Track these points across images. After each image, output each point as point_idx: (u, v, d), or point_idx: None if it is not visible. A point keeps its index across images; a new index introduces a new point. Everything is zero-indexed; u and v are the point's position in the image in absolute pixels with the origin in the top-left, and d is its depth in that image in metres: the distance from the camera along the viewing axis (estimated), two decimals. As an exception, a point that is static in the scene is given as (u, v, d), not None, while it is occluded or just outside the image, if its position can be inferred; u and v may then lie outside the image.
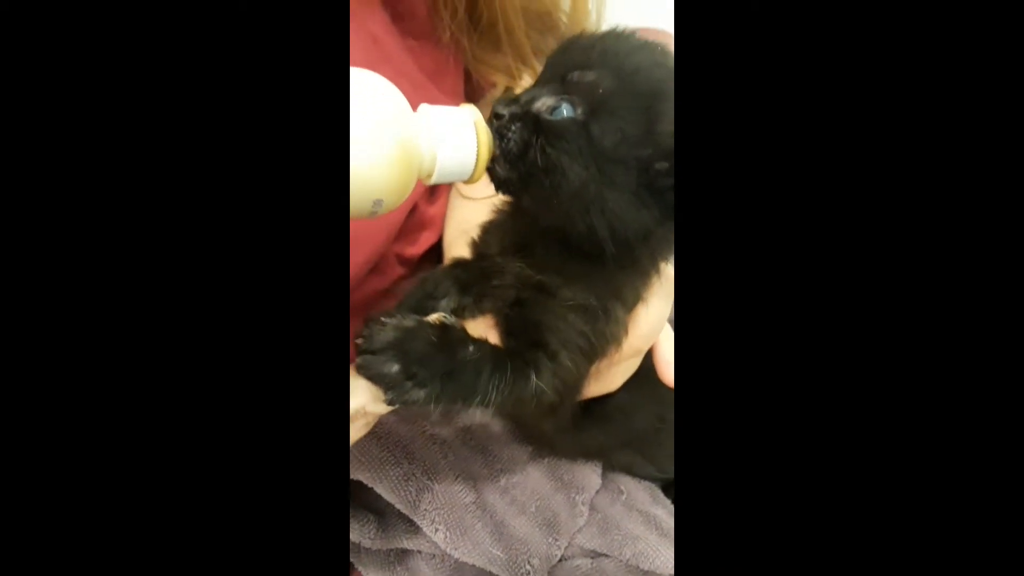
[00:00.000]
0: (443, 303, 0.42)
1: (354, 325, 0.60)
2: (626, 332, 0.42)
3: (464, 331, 0.36)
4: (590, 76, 0.35)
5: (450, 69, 0.60)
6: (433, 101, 0.58)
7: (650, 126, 0.34)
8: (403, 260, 0.62)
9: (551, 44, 0.60)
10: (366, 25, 0.51)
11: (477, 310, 0.45)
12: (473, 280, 0.44)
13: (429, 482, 0.49)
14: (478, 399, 0.35)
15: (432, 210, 0.63)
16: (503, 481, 0.52)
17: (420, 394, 0.33)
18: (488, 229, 0.46)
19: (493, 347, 0.37)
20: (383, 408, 0.33)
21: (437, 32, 0.55)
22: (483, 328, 0.44)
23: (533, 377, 0.37)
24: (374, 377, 0.32)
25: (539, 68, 0.60)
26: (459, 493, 0.50)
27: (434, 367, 0.33)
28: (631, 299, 0.41)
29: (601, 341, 0.41)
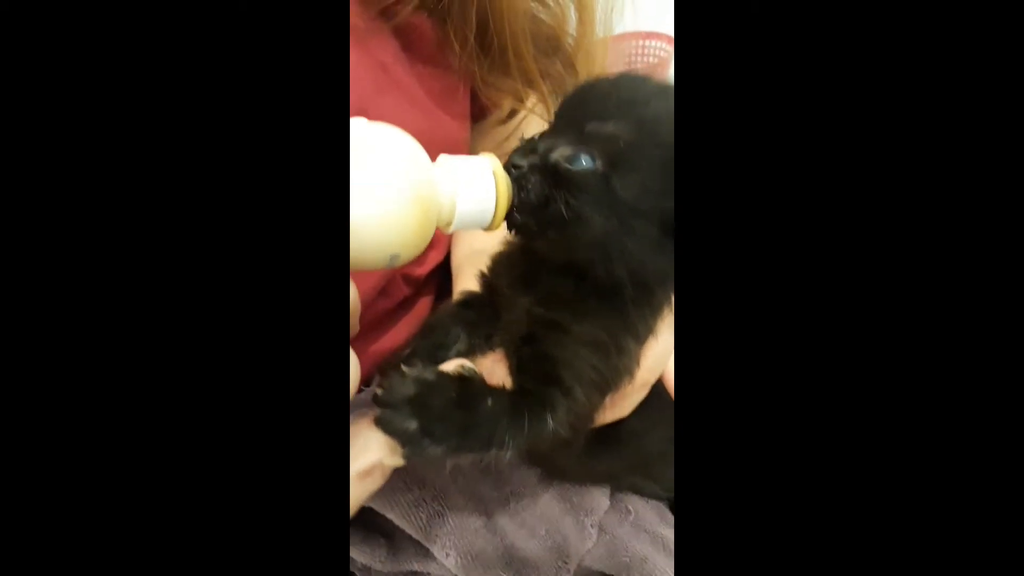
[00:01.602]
0: (454, 350, 0.42)
1: (363, 345, 0.59)
2: (638, 364, 0.42)
3: (483, 383, 0.36)
4: (609, 128, 0.35)
5: (458, 92, 0.59)
6: (441, 125, 0.58)
7: (670, 178, 0.34)
8: (410, 280, 0.62)
9: (557, 67, 0.59)
10: (376, 54, 0.50)
11: (488, 347, 0.44)
12: (482, 319, 0.44)
13: (440, 507, 0.49)
14: (494, 449, 0.35)
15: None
16: (513, 505, 0.52)
17: (437, 450, 0.33)
18: (497, 261, 0.46)
19: (510, 395, 0.37)
20: (399, 461, 0.33)
21: (447, 58, 0.54)
22: (492, 363, 0.44)
23: (550, 420, 0.37)
24: (392, 432, 0.32)
25: (545, 90, 0.59)
26: (469, 517, 0.50)
27: (452, 423, 0.33)
28: (643, 333, 0.41)
29: (614, 375, 0.40)
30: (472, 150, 0.66)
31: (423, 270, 0.62)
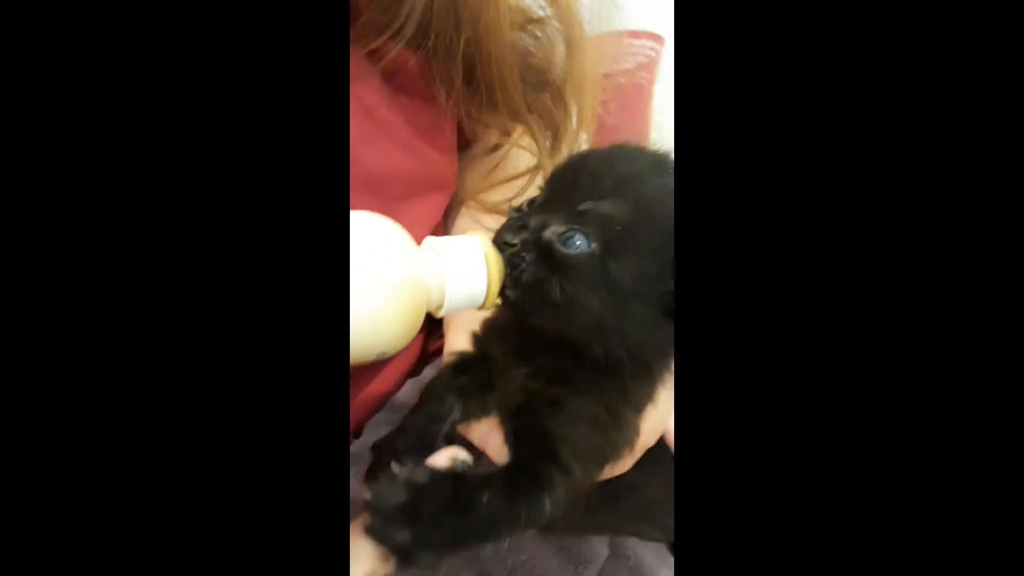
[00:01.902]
0: (449, 422, 0.40)
1: (352, 391, 0.57)
2: (638, 434, 0.40)
3: (477, 477, 0.34)
4: (604, 208, 0.33)
5: (445, 125, 0.56)
6: (428, 161, 0.56)
7: (670, 261, 0.32)
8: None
9: (546, 100, 0.57)
10: (361, 98, 0.48)
11: (482, 412, 0.43)
12: (476, 384, 0.42)
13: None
14: (490, 545, 0.33)
15: None
16: (510, 561, 0.50)
17: (432, 558, 0.31)
18: (490, 325, 0.44)
19: (505, 481, 0.35)
20: (390, 568, 0.31)
21: (432, 91, 0.51)
22: (487, 429, 0.42)
23: (547, 502, 0.36)
24: (385, 544, 0.30)
25: (532, 123, 0.57)
26: (466, 576, 0.49)
27: (447, 530, 0.31)
28: (643, 404, 0.40)
29: (613, 450, 0.39)
30: (459, 181, 0.64)
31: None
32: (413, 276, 0.31)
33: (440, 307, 0.33)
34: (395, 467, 0.32)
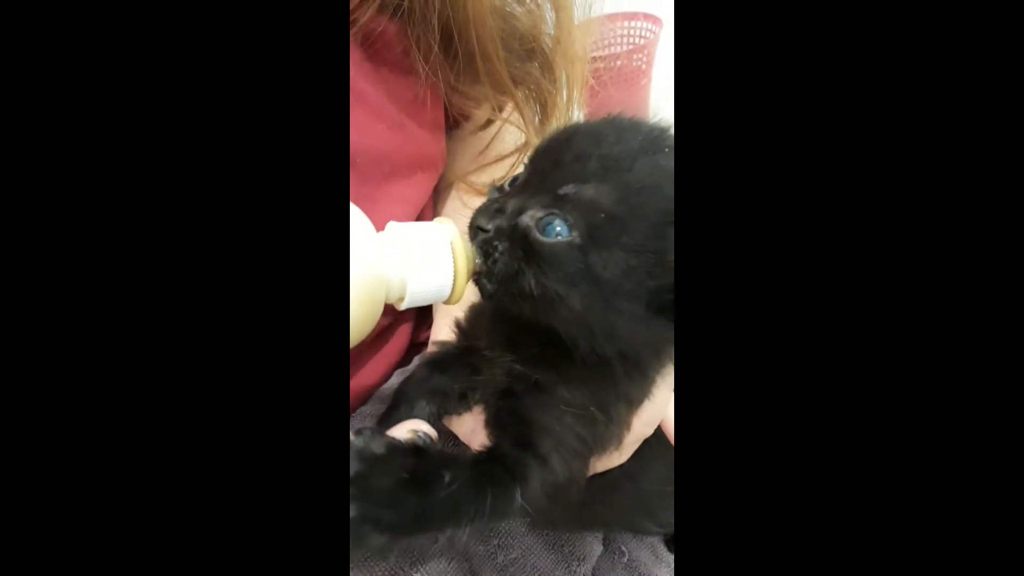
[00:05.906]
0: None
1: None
2: (629, 429, 0.35)
3: (440, 454, 0.29)
4: (588, 192, 0.27)
5: (428, 99, 0.50)
6: (412, 138, 0.50)
7: (660, 255, 0.27)
8: (386, 310, 0.54)
9: (534, 71, 0.51)
10: None
11: (462, 406, 0.38)
12: (458, 379, 0.37)
13: (421, 574, 0.42)
14: (449, 533, 0.28)
15: None
16: (501, 559, 0.45)
17: (383, 540, 0.26)
18: (476, 313, 0.38)
19: (473, 465, 0.30)
20: None
21: (414, 63, 0.46)
22: (474, 421, 0.37)
23: (517, 495, 0.31)
24: None
25: (520, 97, 0.51)
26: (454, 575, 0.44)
27: (404, 510, 0.26)
28: (637, 398, 0.34)
29: (599, 443, 0.35)
30: (448, 162, 0.58)
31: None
32: (371, 264, 0.26)
33: (401, 299, 0.28)
34: (352, 438, 0.27)
